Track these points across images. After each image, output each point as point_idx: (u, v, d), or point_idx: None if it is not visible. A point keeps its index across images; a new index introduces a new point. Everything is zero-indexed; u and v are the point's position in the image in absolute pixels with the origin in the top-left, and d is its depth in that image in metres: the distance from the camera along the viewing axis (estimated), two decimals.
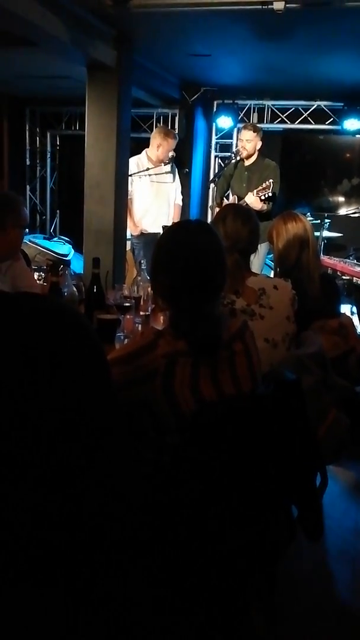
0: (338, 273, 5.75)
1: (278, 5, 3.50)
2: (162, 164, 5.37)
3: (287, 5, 3.51)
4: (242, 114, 6.90)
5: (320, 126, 6.72)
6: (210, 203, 6.36)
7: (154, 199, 5.40)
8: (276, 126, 6.84)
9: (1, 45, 4.71)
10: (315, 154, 6.68)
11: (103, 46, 4.51)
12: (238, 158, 5.43)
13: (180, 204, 5.68)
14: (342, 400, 2.24)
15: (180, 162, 6.02)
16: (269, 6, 3.54)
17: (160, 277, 1.71)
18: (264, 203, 5.03)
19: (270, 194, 4.99)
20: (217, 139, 7.25)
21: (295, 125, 6.81)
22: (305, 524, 1.74)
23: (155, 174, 5.35)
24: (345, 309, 5.29)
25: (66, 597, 1.05)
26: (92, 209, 5.00)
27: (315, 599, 2.33)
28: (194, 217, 6.27)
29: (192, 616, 1.46)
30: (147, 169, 5.26)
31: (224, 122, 6.74)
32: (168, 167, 5.43)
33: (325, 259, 5.76)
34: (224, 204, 5.42)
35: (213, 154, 7.30)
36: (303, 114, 6.74)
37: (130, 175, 5.22)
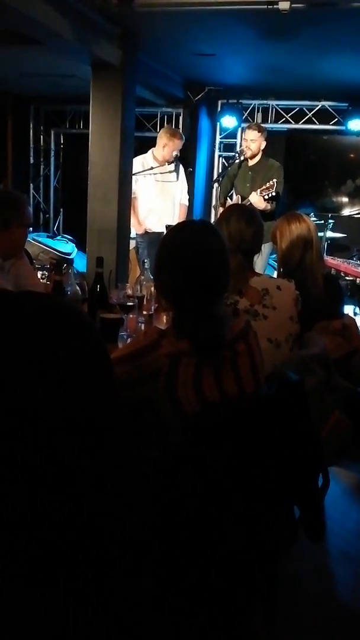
0: (341, 274, 5.75)
1: (283, 5, 3.50)
2: (166, 164, 5.37)
3: (293, 5, 3.51)
4: (246, 114, 6.90)
5: (324, 126, 6.72)
6: (213, 203, 6.36)
7: (159, 198, 5.39)
8: (280, 126, 6.84)
9: (6, 44, 4.72)
10: (319, 154, 6.67)
11: (108, 45, 4.51)
12: (242, 158, 5.43)
13: (186, 204, 5.65)
14: (344, 402, 2.23)
15: (184, 161, 6.01)
16: (275, 6, 3.53)
17: (164, 277, 1.71)
18: (268, 202, 5.03)
19: (273, 194, 4.99)
20: (221, 138, 7.24)
21: (300, 126, 6.81)
22: (307, 524, 1.74)
23: (160, 173, 5.35)
24: (349, 309, 5.28)
25: (66, 597, 1.05)
26: (96, 208, 5.00)
27: (316, 599, 2.33)
28: (197, 217, 6.26)
29: (193, 616, 1.46)
30: (151, 168, 5.26)
31: (228, 121, 6.74)
32: (172, 167, 5.43)
33: (328, 259, 5.75)
34: (227, 204, 5.42)
35: (217, 153, 7.29)
36: (307, 114, 6.73)
37: (134, 174, 5.21)
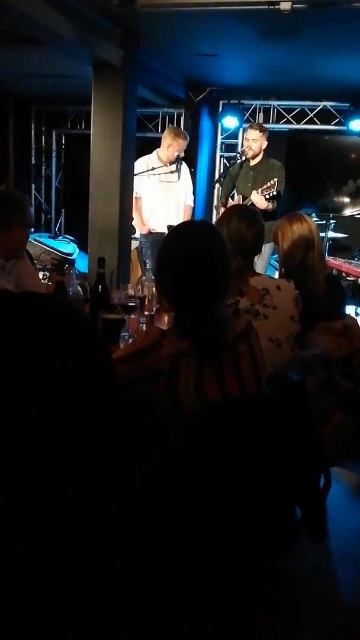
0: (343, 274, 5.74)
1: (285, 6, 3.50)
2: (168, 164, 5.36)
3: (294, 6, 3.51)
4: (247, 114, 6.90)
5: (326, 126, 6.72)
6: (215, 203, 6.36)
7: (163, 199, 5.38)
8: (282, 126, 6.84)
9: (7, 44, 4.72)
10: (320, 154, 6.67)
11: (109, 45, 4.51)
12: (243, 158, 5.43)
13: (191, 204, 5.62)
14: (346, 402, 2.23)
15: (186, 161, 6.01)
16: (276, 6, 3.53)
17: (165, 278, 1.71)
18: (269, 202, 5.02)
19: (274, 193, 4.98)
20: (222, 138, 7.24)
21: (301, 126, 6.81)
22: (309, 525, 1.74)
23: (164, 174, 5.34)
24: (350, 310, 5.28)
25: (66, 597, 1.05)
26: (97, 208, 5.00)
27: (318, 600, 2.33)
28: (198, 217, 6.26)
29: (194, 616, 1.46)
30: (152, 169, 5.26)
31: (230, 122, 6.74)
32: (173, 167, 5.42)
33: (330, 259, 5.75)
34: (229, 204, 5.42)
35: (218, 153, 7.29)
36: (309, 115, 6.73)
37: (135, 174, 5.22)
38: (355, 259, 6.21)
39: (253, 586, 1.59)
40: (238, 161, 5.53)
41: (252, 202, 5.01)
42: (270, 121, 6.81)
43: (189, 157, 6.41)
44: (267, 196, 5.01)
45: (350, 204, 6.57)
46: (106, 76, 4.75)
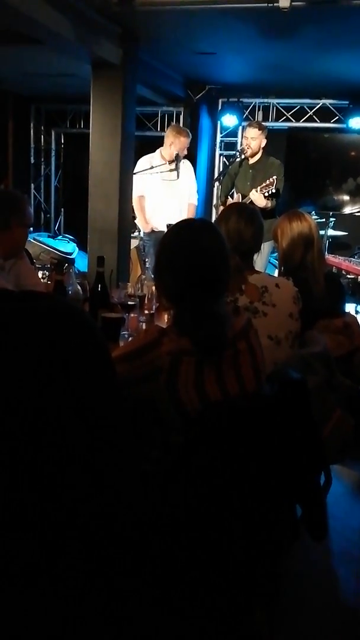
0: (343, 272, 5.75)
1: (284, 3, 3.50)
2: (167, 162, 5.35)
3: (293, 4, 3.50)
4: (247, 112, 6.90)
5: (325, 124, 6.72)
6: (214, 202, 6.36)
7: (164, 197, 5.37)
8: (281, 124, 6.84)
9: (6, 43, 4.72)
10: (320, 152, 6.67)
11: (108, 44, 4.51)
12: (243, 156, 5.42)
13: (195, 203, 5.53)
14: (346, 400, 2.23)
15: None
16: (275, 4, 3.53)
17: (164, 276, 1.71)
18: (268, 200, 5.01)
19: (273, 191, 4.98)
20: (221, 137, 7.24)
21: (300, 124, 6.81)
22: (309, 523, 1.74)
23: (166, 172, 5.33)
24: (350, 308, 5.28)
25: (66, 597, 1.05)
26: (97, 207, 5.00)
27: (319, 598, 2.33)
28: (198, 216, 6.25)
29: (194, 616, 1.46)
30: (152, 167, 5.25)
31: (229, 120, 6.74)
32: (172, 165, 5.41)
33: (330, 257, 5.75)
34: (228, 203, 5.41)
35: (218, 152, 7.29)
36: (308, 112, 6.73)
37: (134, 173, 5.21)
38: (355, 256, 6.22)
39: (253, 585, 1.59)
40: (237, 159, 5.52)
41: (251, 200, 5.00)
42: (270, 119, 6.81)
43: (189, 156, 6.41)
44: (266, 194, 5.00)
45: (350, 202, 6.56)
46: (105, 75, 4.75)
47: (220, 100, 6.92)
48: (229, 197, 5.66)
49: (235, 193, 5.60)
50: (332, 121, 6.67)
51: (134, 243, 5.73)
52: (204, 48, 5.02)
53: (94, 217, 5.02)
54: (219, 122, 7.03)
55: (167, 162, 5.28)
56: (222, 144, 7.30)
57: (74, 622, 1.06)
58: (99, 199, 4.99)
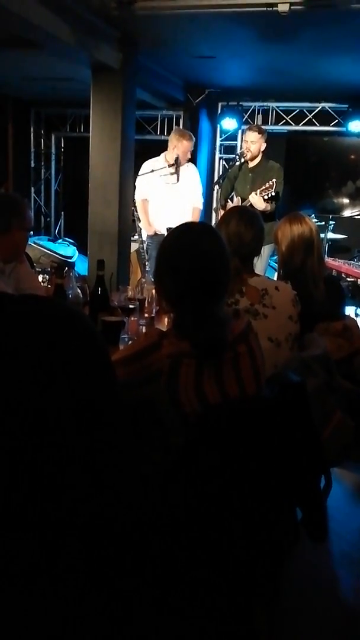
0: (342, 275, 5.75)
1: (283, 7, 3.51)
2: (167, 166, 5.36)
3: (292, 7, 3.52)
4: (246, 116, 6.92)
5: (324, 128, 6.73)
6: (214, 205, 6.36)
7: (166, 201, 5.38)
8: (281, 128, 6.85)
9: (6, 48, 4.73)
10: (319, 155, 6.68)
11: (107, 48, 4.52)
12: (242, 160, 5.43)
13: (200, 207, 5.51)
14: (346, 403, 2.23)
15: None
16: (274, 8, 3.55)
17: (164, 279, 1.71)
18: (267, 203, 5.03)
19: (273, 193, 4.99)
20: (221, 140, 7.25)
21: (300, 127, 6.83)
22: (310, 526, 1.74)
23: (168, 175, 5.33)
24: (350, 311, 5.28)
25: (66, 597, 1.05)
26: (97, 211, 5.01)
27: (319, 600, 2.32)
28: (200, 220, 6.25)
29: (194, 618, 1.46)
30: (152, 171, 5.26)
31: (229, 124, 6.75)
32: (172, 169, 5.41)
33: (329, 260, 5.75)
34: (228, 206, 5.42)
35: (217, 155, 7.31)
36: (307, 116, 6.75)
37: (137, 176, 5.22)
38: (355, 259, 6.22)
39: (253, 587, 1.59)
40: (237, 163, 5.53)
41: (251, 203, 5.01)
42: (269, 123, 6.82)
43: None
44: (266, 197, 5.01)
45: (350, 205, 6.57)
46: (105, 79, 4.77)
47: (219, 104, 6.93)
48: (228, 200, 5.67)
49: (234, 196, 5.61)
50: (331, 124, 6.69)
51: (134, 246, 5.74)
52: (203, 52, 5.04)
53: (94, 220, 5.03)
54: (218, 125, 7.05)
55: (168, 166, 5.29)
56: (222, 147, 7.31)
57: (74, 622, 1.06)
58: (99, 202, 4.99)
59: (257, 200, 5.01)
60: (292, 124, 6.85)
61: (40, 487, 1.00)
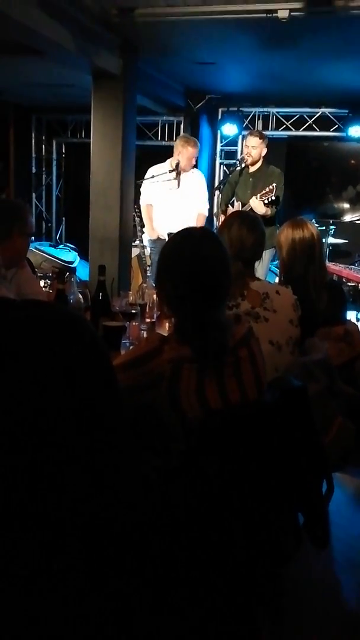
0: (343, 279, 5.75)
1: (282, 14, 3.53)
2: (168, 172, 5.37)
3: (292, 14, 3.53)
4: (246, 122, 6.94)
5: (325, 133, 6.74)
6: (215, 210, 6.38)
7: (168, 206, 5.39)
8: (281, 133, 6.86)
9: (7, 54, 4.75)
10: (320, 160, 6.70)
11: (108, 54, 4.54)
12: (243, 165, 5.44)
13: (205, 213, 5.50)
14: (348, 407, 2.23)
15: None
16: (274, 14, 3.56)
17: (165, 284, 1.71)
18: (268, 207, 5.03)
19: (273, 198, 4.99)
20: (222, 146, 7.27)
21: (300, 132, 6.84)
22: (312, 531, 1.74)
23: (169, 181, 5.34)
24: (351, 315, 5.28)
25: (66, 597, 1.05)
26: (98, 216, 5.02)
27: (322, 606, 2.32)
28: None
29: (197, 622, 1.45)
30: (152, 176, 5.27)
31: (229, 129, 6.77)
32: (172, 175, 5.42)
33: (330, 265, 5.76)
34: (228, 212, 5.42)
35: (218, 161, 7.32)
36: (308, 121, 6.76)
37: (139, 181, 5.24)
38: (356, 264, 6.22)
39: (254, 592, 1.59)
40: (237, 168, 5.54)
41: (251, 208, 5.02)
42: (270, 128, 6.84)
43: None
44: (266, 201, 5.02)
45: (350, 210, 6.59)
46: (105, 85, 4.78)
47: (220, 110, 6.95)
48: (229, 205, 5.68)
49: (235, 201, 5.62)
50: (331, 130, 6.70)
51: (135, 252, 5.74)
52: (203, 58, 5.06)
53: (95, 226, 5.04)
54: (219, 131, 7.07)
55: (169, 172, 5.30)
56: (222, 152, 7.32)
57: (74, 622, 1.06)
58: (100, 208, 5.00)
59: (258, 205, 5.01)
60: (292, 130, 6.86)
61: (40, 486, 1.00)
